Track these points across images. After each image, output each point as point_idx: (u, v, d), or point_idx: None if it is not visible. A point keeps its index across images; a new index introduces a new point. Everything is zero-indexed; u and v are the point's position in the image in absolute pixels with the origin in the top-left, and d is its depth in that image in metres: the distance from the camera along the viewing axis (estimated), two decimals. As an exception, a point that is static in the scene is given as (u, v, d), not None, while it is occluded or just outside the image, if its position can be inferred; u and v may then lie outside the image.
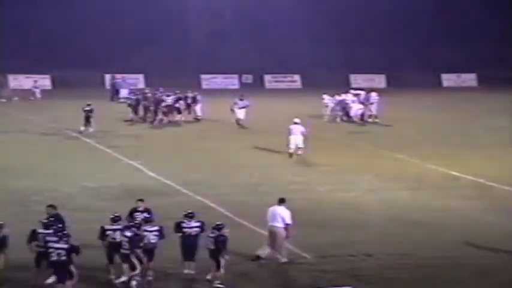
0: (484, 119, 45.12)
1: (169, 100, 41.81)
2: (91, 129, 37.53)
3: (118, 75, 56.98)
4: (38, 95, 52.75)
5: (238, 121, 40.23)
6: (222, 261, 17.37)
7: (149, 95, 43.13)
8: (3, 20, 62.34)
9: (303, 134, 32.78)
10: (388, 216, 23.12)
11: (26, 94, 52.68)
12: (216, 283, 17.33)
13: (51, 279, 16.57)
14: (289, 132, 32.66)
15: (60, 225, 17.32)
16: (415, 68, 65.67)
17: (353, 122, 42.80)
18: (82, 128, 37.42)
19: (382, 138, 38.03)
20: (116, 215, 17.82)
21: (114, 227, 17.56)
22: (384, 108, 44.36)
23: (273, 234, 19.05)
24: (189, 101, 43.35)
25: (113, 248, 17.43)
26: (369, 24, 68.25)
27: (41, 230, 17.12)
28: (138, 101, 42.66)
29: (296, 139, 32.59)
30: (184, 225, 18.01)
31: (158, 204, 23.64)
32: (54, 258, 16.04)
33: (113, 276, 17.42)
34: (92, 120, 37.73)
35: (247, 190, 26.49)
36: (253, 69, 63.94)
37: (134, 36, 64.55)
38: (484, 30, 68.66)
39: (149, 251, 17.55)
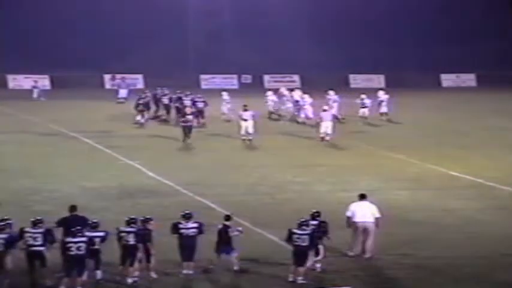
0: (483, 119, 45.12)
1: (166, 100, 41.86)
2: (142, 120, 39.80)
3: (117, 76, 56.96)
4: (35, 95, 52.52)
5: (246, 136, 35.27)
6: (310, 258, 17.68)
7: (149, 94, 43.13)
8: (3, 20, 62.35)
9: (332, 120, 36.03)
10: (388, 216, 23.02)
11: (27, 94, 52.75)
12: (299, 279, 17.50)
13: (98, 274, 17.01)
14: (320, 119, 35.92)
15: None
16: (415, 68, 65.70)
17: (303, 123, 41.70)
18: (138, 118, 39.79)
19: (381, 138, 38.01)
20: (130, 217, 17.79)
21: (127, 229, 17.53)
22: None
23: (366, 230, 19.25)
24: (200, 105, 40.73)
25: (126, 250, 17.44)
26: (368, 24, 68.24)
27: (27, 229, 17.16)
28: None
29: (326, 125, 35.50)
30: (181, 226, 17.99)
31: (157, 204, 23.74)
32: (73, 253, 16.53)
33: (118, 278, 17.43)
34: (145, 113, 40.09)
35: (247, 190, 26.50)
36: (252, 69, 63.93)
37: (133, 36, 64.50)
38: (483, 31, 68.67)
39: (145, 250, 17.57)
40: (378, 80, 65.87)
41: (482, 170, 29.94)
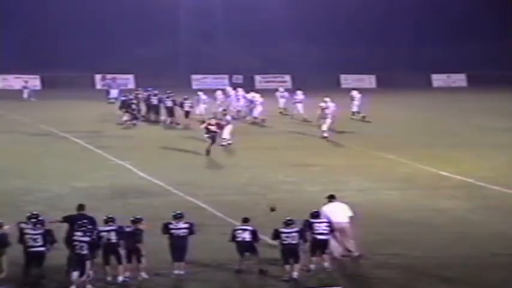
0: (473, 119, 45.25)
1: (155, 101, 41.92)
2: (131, 121, 40.13)
3: (108, 76, 56.94)
4: (25, 95, 52.46)
5: (224, 141, 33.94)
6: (302, 255, 17.81)
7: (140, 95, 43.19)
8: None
9: (332, 117, 37.08)
10: (378, 216, 23.15)
11: (17, 94, 52.68)
12: (295, 274, 17.63)
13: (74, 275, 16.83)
14: (322, 117, 37.03)
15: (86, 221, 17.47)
16: (405, 68, 65.88)
17: (256, 123, 41.87)
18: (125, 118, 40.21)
19: (372, 138, 38.05)
20: (108, 216, 17.80)
21: (107, 228, 17.54)
22: (374, 108, 44.50)
23: (343, 230, 19.20)
24: (169, 103, 41.39)
25: (109, 248, 17.43)
26: (359, 25, 68.41)
27: (27, 230, 17.11)
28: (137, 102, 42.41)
29: (328, 122, 36.79)
30: (171, 226, 17.99)
31: (149, 205, 23.74)
32: (77, 251, 16.61)
33: (109, 278, 17.42)
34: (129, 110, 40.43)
35: (238, 190, 26.51)
36: (243, 70, 63.96)
37: (124, 36, 64.52)
38: (474, 31, 68.92)
39: (135, 251, 17.57)
40: (369, 80, 66.04)
41: (473, 169, 30.04)
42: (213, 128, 32.64)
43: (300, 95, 44.58)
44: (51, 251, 17.22)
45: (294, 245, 17.73)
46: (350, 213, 19.46)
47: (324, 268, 18.22)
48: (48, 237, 17.09)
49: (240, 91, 45.08)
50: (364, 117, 43.52)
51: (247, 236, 18.12)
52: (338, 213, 19.32)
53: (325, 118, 37.29)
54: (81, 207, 18.44)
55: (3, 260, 16.86)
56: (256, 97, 43.01)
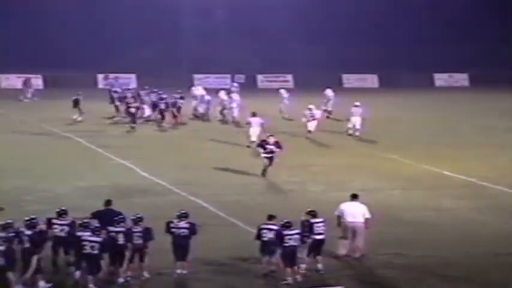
0: (476, 118, 45.19)
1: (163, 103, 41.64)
2: (79, 117, 40.56)
3: (111, 75, 56.87)
4: (28, 95, 52.34)
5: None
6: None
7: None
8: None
9: (362, 116, 37.48)
10: (381, 216, 23.04)
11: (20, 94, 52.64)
12: (299, 277, 17.57)
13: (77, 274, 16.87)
14: (350, 114, 37.73)
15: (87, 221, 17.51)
16: (408, 68, 65.74)
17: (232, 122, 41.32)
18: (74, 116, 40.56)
19: (375, 138, 37.97)
20: (120, 217, 17.77)
21: (116, 229, 17.49)
22: (376, 108, 44.37)
23: (355, 230, 19.21)
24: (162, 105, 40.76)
25: (117, 250, 17.33)
26: (361, 24, 68.35)
27: (22, 229, 17.05)
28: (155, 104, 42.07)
29: (355, 120, 37.41)
30: (172, 225, 17.96)
31: (150, 204, 23.70)
32: (86, 251, 16.64)
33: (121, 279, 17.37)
34: (79, 108, 40.98)
35: (240, 190, 26.47)
36: (245, 69, 63.90)
37: (127, 36, 64.47)
38: (475, 30, 68.81)
39: (138, 251, 17.53)
40: (372, 80, 65.95)
41: (475, 169, 30.01)
42: (271, 147, 28.65)
43: (284, 93, 44.46)
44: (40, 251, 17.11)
45: (295, 247, 17.59)
46: (367, 215, 19.47)
47: (317, 270, 18.10)
48: (37, 238, 16.93)
49: (223, 92, 44.57)
50: (328, 116, 42.52)
51: (272, 236, 17.76)
52: (353, 212, 19.37)
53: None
54: (108, 202, 18.65)
55: (35, 259, 16.76)
56: (234, 97, 42.64)
